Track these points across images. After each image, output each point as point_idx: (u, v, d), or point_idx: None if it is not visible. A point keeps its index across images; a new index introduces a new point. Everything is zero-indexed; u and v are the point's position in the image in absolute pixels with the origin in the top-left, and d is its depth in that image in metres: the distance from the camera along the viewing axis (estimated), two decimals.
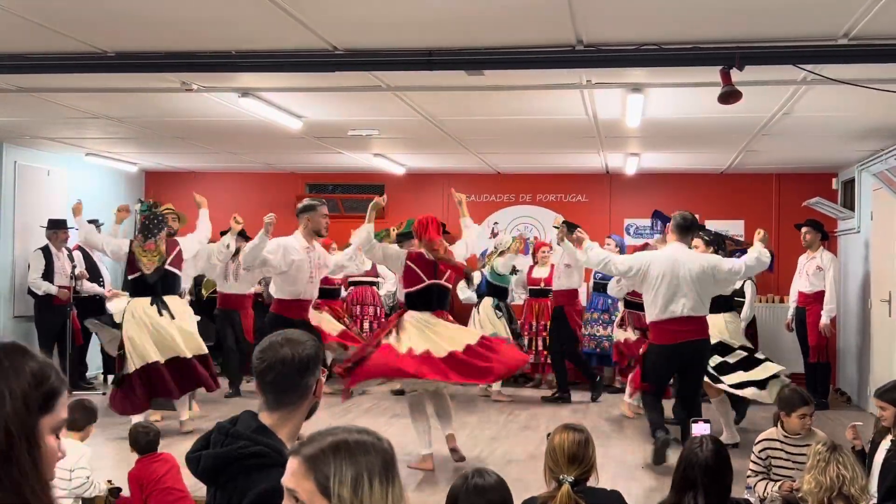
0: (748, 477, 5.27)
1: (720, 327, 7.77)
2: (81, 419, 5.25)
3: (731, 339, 7.86)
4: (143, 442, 5.24)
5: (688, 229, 6.97)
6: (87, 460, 5.10)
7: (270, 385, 2.53)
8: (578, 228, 7.25)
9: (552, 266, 10.33)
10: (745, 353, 7.80)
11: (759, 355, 7.96)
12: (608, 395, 10.09)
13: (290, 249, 7.34)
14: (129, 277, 7.88)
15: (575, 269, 9.85)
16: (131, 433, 5.31)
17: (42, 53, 5.62)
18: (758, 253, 6.99)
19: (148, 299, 7.69)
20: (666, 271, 6.72)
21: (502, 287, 10.20)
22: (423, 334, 6.64)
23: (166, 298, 7.74)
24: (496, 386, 9.77)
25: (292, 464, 1.69)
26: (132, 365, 7.46)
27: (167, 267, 7.76)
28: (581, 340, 10.11)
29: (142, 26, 5.07)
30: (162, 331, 7.55)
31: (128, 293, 8.01)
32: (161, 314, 7.63)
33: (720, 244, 7.86)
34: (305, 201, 7.67)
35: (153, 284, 7.72)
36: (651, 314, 6.85)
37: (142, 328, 7.57)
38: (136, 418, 7.18)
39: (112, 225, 8.37)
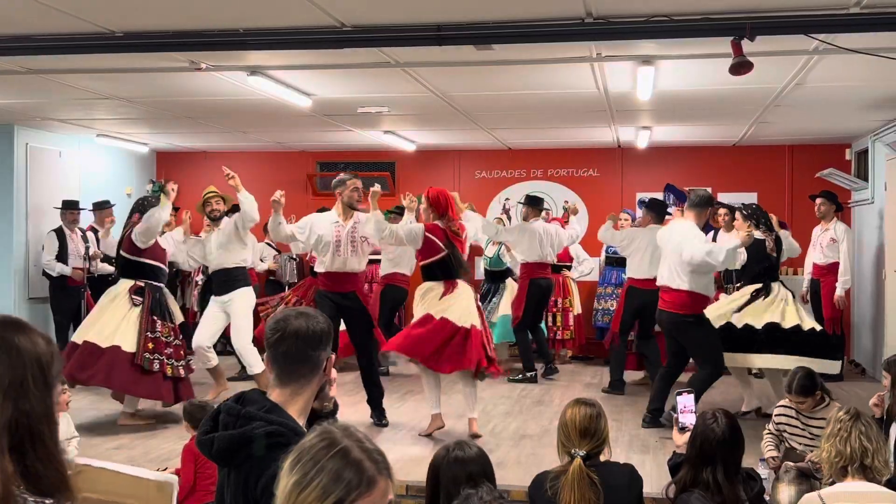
0: (765, 445, 5.31)
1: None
2: None
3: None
4: (200, 417, 5.29)
5: (696, 205, 7.28)
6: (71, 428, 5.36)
7: (282, 356, 2.56)
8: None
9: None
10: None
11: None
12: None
13: (317, 225, 7.34)
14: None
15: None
16: (186, 410, 5.37)
17: (50, 35, 5.62)
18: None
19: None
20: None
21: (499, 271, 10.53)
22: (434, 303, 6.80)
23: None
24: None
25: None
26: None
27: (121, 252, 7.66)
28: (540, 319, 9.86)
29: (149, 6, 5.06)
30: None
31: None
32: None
33: (760, 219, 7.67)
34: (340, 175, 7.50)
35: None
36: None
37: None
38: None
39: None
